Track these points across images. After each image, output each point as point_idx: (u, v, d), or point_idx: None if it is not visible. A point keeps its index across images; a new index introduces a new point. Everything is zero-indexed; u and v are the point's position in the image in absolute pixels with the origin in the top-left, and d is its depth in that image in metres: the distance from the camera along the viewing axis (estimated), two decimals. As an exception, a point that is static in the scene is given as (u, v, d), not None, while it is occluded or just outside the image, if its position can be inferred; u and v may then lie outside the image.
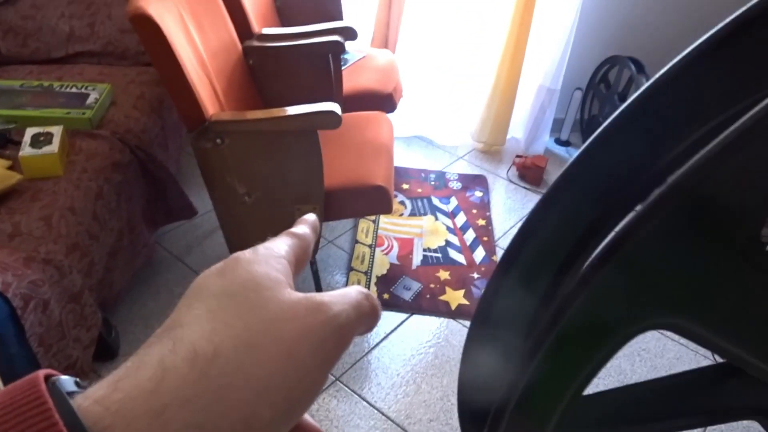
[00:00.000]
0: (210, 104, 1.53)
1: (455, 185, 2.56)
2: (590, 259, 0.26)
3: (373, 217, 2.33)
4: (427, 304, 1.98)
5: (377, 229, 2.28)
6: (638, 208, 0.27)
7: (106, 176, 1.66)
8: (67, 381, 0.21)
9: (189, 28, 1.55)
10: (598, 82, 2.75)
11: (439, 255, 2.19)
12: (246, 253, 0.26)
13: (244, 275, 0.25)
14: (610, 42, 2.68)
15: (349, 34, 1.92)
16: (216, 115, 1.52)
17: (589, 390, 0.31)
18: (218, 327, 0.23)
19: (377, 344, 1.85)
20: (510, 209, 2.48)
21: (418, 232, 2.29)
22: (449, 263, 2.15)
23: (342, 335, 0.25)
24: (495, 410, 0.31)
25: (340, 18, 2.21)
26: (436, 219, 2.36)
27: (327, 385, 1.72)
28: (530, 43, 2.56)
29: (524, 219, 0.37)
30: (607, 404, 0.36)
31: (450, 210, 2.42)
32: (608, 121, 0.34)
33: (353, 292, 0.27)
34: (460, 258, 2.18)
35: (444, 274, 2.10)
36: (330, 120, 1.50)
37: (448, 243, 2.25)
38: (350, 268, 2.09)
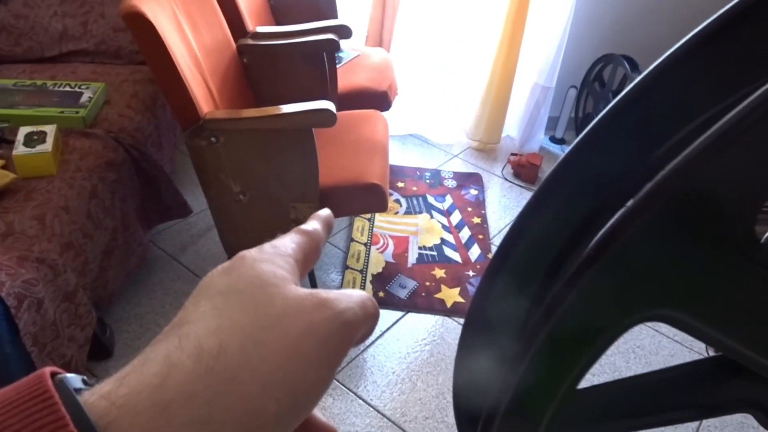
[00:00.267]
0: (204, 103, 1.52)
1: (450, 183, 2.57)
2: (580, 259, 0.26)
3: (368, 216, 2.33)
4: (422, 302, 1.99)
5: (372, 227, 2.28)
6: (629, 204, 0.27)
7: (100, 175, 1.65)
8: (74, 378, 0.21)
9: (183, 26, 1.54)
10: (593, 80, 2.75)
11: (435, 253, 2.19)
12: (252, 252, 0.26)
13: (250, 273, 0.25)
14: (605, 40, 2.69)
15: (344, 32, 1.91)
16: (210, 113, 1.52)
17: (582, 385, 0.32)
18: (224, 323, 0.23)
19: (373, 342, 1.85)
20: (505, 207, 2.48)
21: (413, 230, 2.29)
22: (444, 261, 2.16)
23: (347, 332, 0.25)
24: (486, 413, 0.31)
25: (335, 16, 2.20)
26: (432, 217, 2.37)
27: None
28: (525, 41, 2.56)
29: (514, 220, 0.37)
30: (600, 398, 0.36)
31: (445, 208, 2.42)
32: (598, 119, 0.34)
33: (357, 292, 0.27)
34: (455, 256, 2.18)
35: (439, 272, 2.10)
36: (325, 118, 1.50)
37: (443, 241, 2.25)
38: (346, 266, 2.09)
